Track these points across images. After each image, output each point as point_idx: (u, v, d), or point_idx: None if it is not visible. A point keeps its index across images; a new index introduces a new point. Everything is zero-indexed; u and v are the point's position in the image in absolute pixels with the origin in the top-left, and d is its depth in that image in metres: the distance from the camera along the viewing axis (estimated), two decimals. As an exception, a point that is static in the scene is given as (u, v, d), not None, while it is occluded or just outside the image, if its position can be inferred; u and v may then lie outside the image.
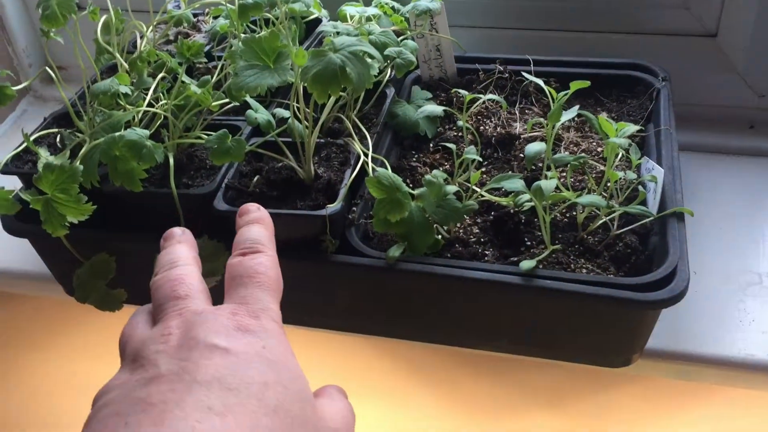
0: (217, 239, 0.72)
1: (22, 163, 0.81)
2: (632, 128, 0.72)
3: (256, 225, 0.55)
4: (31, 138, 0.77)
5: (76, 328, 1.14)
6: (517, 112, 0.91)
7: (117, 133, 0.69)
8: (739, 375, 0.75)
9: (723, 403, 0.93)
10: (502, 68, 0.94)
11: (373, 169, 0.74)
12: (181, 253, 0.53)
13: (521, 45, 1.03)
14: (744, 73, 0.97)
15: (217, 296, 0.71)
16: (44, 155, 0.72)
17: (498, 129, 0.88)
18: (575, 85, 0.73)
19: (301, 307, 0.80)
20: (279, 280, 0.51)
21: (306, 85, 0.66)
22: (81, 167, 0.67)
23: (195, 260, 0.53)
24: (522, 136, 0.87)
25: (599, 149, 0.84)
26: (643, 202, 0.74)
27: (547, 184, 0.68)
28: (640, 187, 0.74)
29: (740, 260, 0.83)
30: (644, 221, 0.73)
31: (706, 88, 0.99)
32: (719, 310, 0.78)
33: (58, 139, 0.83)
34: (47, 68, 0.79)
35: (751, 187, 0.93)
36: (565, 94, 0.74)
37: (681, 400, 0.94)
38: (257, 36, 0.70)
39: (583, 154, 0.78)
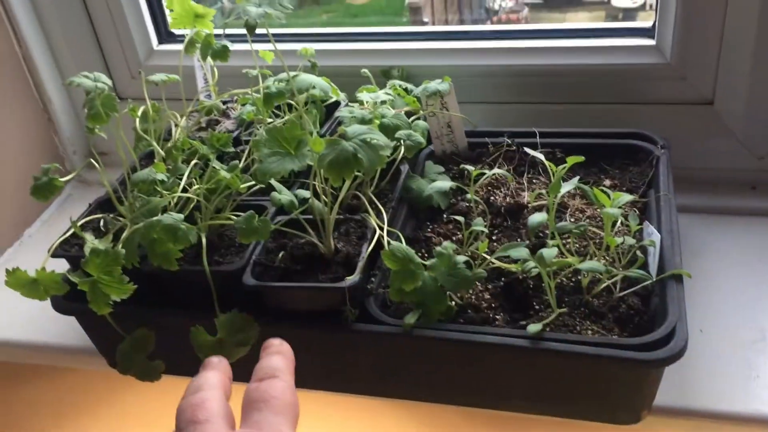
0: (246, 312, 0.78)
1: (69, 247, 0.89)
2: (626, 197, 0.78)
3: (276, 355, 0.58)
4: (78, 224, 0.85)
5: (118, 398, 1.20)
6: (525, 183, 0.97)
7: (155, 218, 0.76)
8: (748, 430, 0.77)
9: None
10: (509, 141, 1.00)
11: (388, 242, 0.79)
12: (208, 378, 0.55)
13: (528, 118, 1.10)
14: (742, 138, 1.02)
15: (248, 364, 0.77)
16: (90, 240, 0.80)
17: (507, 199, 0.94)
18: (571, 160, 0.79)
19: (324, 372, 0.86)
20: (295, 404, 0.52)
21: (322, 170, 0.73)
22: (123, 251, 0.74)
23: (222, 385, 0.55)
24: (530, 205, 0.92)
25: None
26: (644, 266, 0.79)
27: (549, 252, 0.73)
28: (639, 252, 0.79)
29: (745, 317, 0.87)
30: (645, 284, 0.77)
31: (706, 152, 1.04)
32: (725, 367, 0.81)
33: (101, 224, 0.91)
34: (92, 160, 0.87)
35: (755, 245, 0.97)
36: (563, 168, 0.80)
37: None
38: (279, 126, 0.77)
39: (584, 222, 0.83)
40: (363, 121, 0.79)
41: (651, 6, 1.46)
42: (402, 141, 0.85)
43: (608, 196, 0.78)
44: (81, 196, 1.28)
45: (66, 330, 0.98)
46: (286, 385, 0.53)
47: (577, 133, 1.01)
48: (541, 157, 0.85)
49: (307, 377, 0.87)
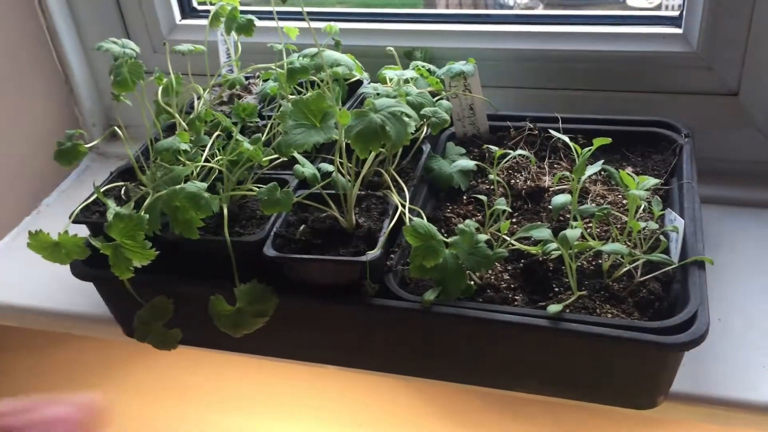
0: (266, 283, 0.78)
1: (90, 213, 0.89)
2: (652, 181, 0.77)
3: None
4: (101, 190, 0.85)
5: (133, 368, 1.21)
6: (546, 167, 0.96)
7: (178, 186, 0.76)
8: (763, 419, 0.77)
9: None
10: (531, 125, 1.00)
11: (409, 218, 0.79)
12: None
13: (550, 104, 1.09)
14: (766, 130, 1.02)
15: (264, 335, 0.77)
16: (112, 206, 0.80)
17: (528, 182, 0.94)
18: (598, 142, 0.79)
19: (342, 348, 0.86)
20: None
21: (349, 141, 0.72)
22: (146, 216, 0.74)
23: None
24: (551, 189, 0.92)
25: (624, 201, 0.88)
26: (666, 251, 0.78)
27: (572, 233, 0.73)
28: (663, 237, 0.79)
29: (764, 308, 0.86)
30: (666, 269, 0.77)
31: (729, 144, 1.04)
32: (743, 356, 0.81)
33: (122, 192, 0.91)
34: (116, 128, 0.87)
35: (776, 238, 0.96)
36: (589, 150, 0.79)
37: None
38: (305, 97, 0.77)
39: (607, 206, 0.83)
40: (389, 97, 0.79)
41: (667, 7, 1.46)
42: (427, 118, 0.85)
43: (633, 179, 0.78)
44: (99, 168, 1.28)
45: (82, 298, 0.99)
46: None
47: (600, 120, 1.00)
48: (566, 138, 0.85)
49: (323, 352, 0.88)
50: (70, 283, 0.89)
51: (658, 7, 2.05)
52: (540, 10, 2.07)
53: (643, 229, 0.79)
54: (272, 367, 1.05)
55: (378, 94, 0.85)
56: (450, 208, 0.93)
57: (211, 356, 0.95)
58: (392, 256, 0.82)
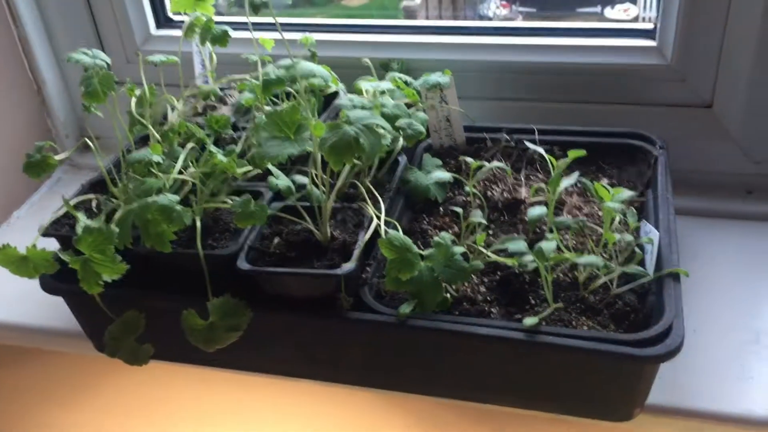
0: (238, 296, 0.77)
1: (60, 227, 0.87)
2: (627, 193, 0.77)
3: None
4: (70, 203, 0.84)
5: (104, 384, 1.18)
6: (522, 178, 0.96)
7: (150, 198, 0.75)
8: (738, 431, 0.77)
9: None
10: (508, 137, 1.00)
11: (385, 231, 0.79)
12: None
13: (527, 115, 1.09)
14: (740, 142, 1.02)
15: (237, 349, 0.76)
16: (82, 219, 0.78)
17: (504, 194, 0.93)
18: (573, 154, 0.79)
19: (317, 362, 0.85)
20: None
21: (323, 154, 0.72)
22: (116, 229, 0.72)
23: None
24: (527, 201, 0.92)
25: (600, 213, 0.88)
26: (642, 263, 0.78)
27: (548, 245, 0.73)
28: (638, 249, 0.79)
29: (738, 319, 0.87)
30: (642, 281, 0.77)
31: (703, 156, 1.04)
32: (718, 367, 0.81)
33: (94, 205, 0.89)
34: (86, 139, 0.86)
35: (750, 249, 0.97)
36: (565, 162, 0.79)
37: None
38: (279, 109, 0.76)
39: (583, 218, 0.82)
40: (364, 109, 0.79)
41: (644, 19, 1.47)
42: (402, 130, 0.84)
43: (608, 191, 0.78)
44: (71, 180, 1.26)
45: (52, 313, 0.97)
46: None
47: (576, 132, 1.01)
48: (542, 150, 0.85)
49: (298, 366, 0.87)
50: (41, 298, 0.88)
51: (636, 19, 2.07)
52: (519, 22, 2.08)
53: (619, 241, 0.79)
54: (247, 382, 1.03)
55: (354, 106, 0.85)
56: (427, 220, 0.92)
57: (185, 371, 0.94)
58: (368, 268, 0.81)
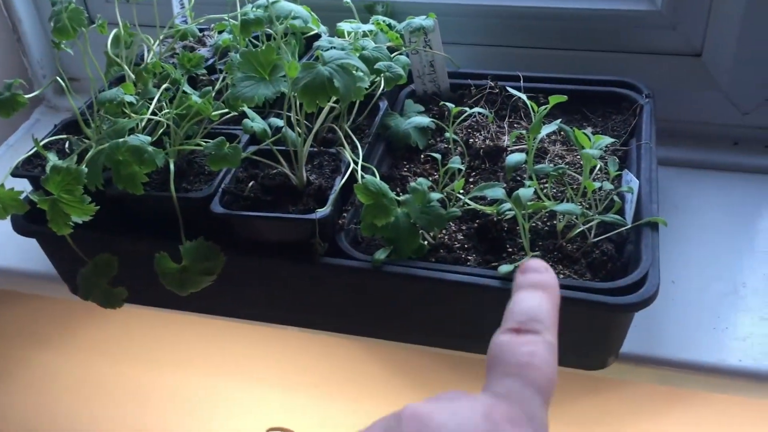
0: (213, 241, 0.76)
1: (32, 167, 0.86)
2: (606, 140, 0.76)
3: (540, 293, 0.45)
4: (41, 143, 0.82)
5: (80, 327, 1.18)
6: (506, 126, 0.94)
7: (121, 139, 0.73)
8: (712, 380, 0.77)
9: (704, 409, 0.95)
10: (492, 84, 0.98)
11: (362, 176, 0.77)
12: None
13: (512, 62, 1.07)
14: (728, 92, 1.01)
15: (213, 294, 0.75)
16: (52, 159, 0.77)
17: (486, 141, 0.92)
18: (554, 99, 0.77)
19: (292, 308, 0.84)
20: (554, 381, 0.41)
21: (296, 94, 0.70)
22: (85, 169, 0.71)
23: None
24: (509, 149, 0.90)
25: (582, 162, 0.87)
26: (620, 212, 0.77)
27: (525, 192, 0.72)
28: (617, 198, 0.78)
29: (718, 271, 0.86)
30: (620, 230, 0.76)
31: (691, 105, 1.03)
32: (695, 318, 0.81)
33: (66, 145, 0.88)
34: (58, 78, 0.84)
35: (733, 201, 0.96)
36: (545, 108, 0.78)
37: (661, 406, 0.96)
38: (254, 50, 0.74)
39: (563, 165, 0.81)
40: (342, 50, 0.76)
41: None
42: (381, 73, 0.82)
43: (588, 138, 0.76)
44: (49, 122, 1.23)
45: (27, 254, 0.96)
46: (548, 349, 0.42)
47: (562, 79, 0.98)
48: (524, 97, 0.83)
49: (273, 312, 0.86)
50: (18, 241, 0.86)
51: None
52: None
53: (598, 189, 0.78)
54: (222, 327, 1.03)
55: (333, 46, 0.82)
56: (407, 166, 0.91)
57: (163, 315, 0.93)
58: (345, 215, 0.80)
